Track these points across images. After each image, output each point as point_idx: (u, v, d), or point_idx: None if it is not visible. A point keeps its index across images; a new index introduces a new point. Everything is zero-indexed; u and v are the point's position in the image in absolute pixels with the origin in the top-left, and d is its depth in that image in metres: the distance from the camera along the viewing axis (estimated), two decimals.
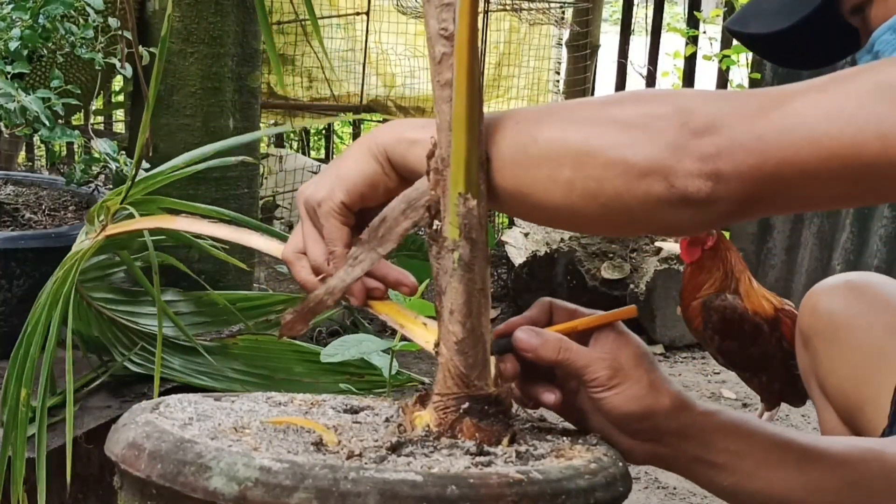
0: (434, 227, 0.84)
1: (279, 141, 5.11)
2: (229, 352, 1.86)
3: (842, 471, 0.91)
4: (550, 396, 0.89)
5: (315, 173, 4.31)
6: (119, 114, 4.63)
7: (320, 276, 0.90)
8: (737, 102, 0.75)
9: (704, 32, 4.32)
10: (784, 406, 2.61)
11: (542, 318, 0.92)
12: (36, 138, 3.97)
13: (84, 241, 1.39)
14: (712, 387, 3.08)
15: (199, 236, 1.69)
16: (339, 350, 2.21)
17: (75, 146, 4.38)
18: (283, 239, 0.96)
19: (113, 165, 1.76)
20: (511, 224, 4.14)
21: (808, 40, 1.07)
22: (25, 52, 1.70)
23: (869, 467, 0.92)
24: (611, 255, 3.50)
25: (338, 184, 0.87)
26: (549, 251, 3.54)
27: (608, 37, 4.88)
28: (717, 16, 4.29)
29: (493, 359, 0.87)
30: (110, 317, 1.75)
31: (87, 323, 1.68)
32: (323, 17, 4.10)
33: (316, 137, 5.41)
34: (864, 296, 1.29)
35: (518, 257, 3.60)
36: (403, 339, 1.94)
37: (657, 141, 0.74)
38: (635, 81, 4.59)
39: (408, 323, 0.92)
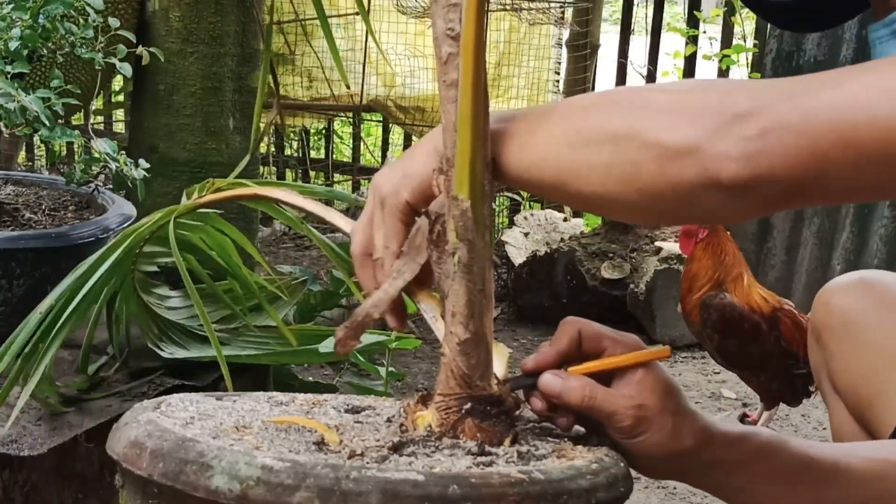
0: (434, 232, 0.84)
1: (279, 142, 5.11)
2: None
3: (860, 489, 0.91)
4: (563, 420, 0.89)
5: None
6: (119, 114, 4.64)
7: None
8: (783, 86, 0.73)
9: (704, 32, 4.32)
10: (784, 406, 2.61)
11: (571, 351, 0.90)
12: (36, 138, 3.98)
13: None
14: (712, 387, 3.08)
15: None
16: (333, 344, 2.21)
17: (75, 146, 4.38)
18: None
19: (113, 165, 1.76)
20: (511, 224, 4.14)
21: (817, 6, 1.06)
22: (25, 52, 1.70)
23: (889, 484, 0.92)
24: (611, 255, 3.50)
25: (404, 182, 0.86)
26: (549, 251, 3.54)
27: (608, 36, 4.88)
28: (717, 15, 4.29)
29: (497, 353, 0.87)
30: (147, 303, 1.74)
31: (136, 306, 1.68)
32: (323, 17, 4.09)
33: (316, 137, 5.41)
34: (877, 293, 1.29)
35: (518, 257, 3.61)
36: (399, 337, 1.95)
37: (696, 123, 0.72)
38: (635, 81, 4.58)
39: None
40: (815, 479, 0.91)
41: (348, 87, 4.14)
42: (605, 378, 0.88)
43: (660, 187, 0.74)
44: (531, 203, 4.47)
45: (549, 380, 0.87)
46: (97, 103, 3.55)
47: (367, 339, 2.17)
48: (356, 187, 4.85)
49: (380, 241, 0.88)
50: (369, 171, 4.83)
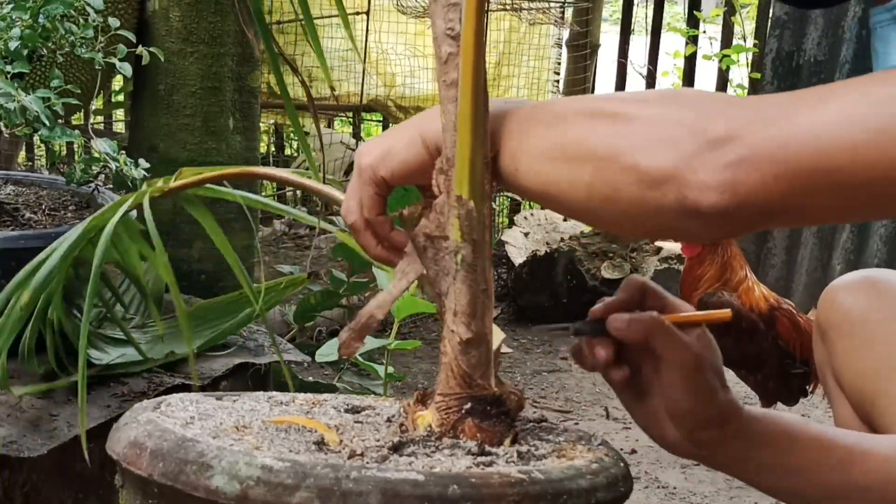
0: (427, 228, 0.84)
1: (279, 142, 5.12)
2: None
3: (886, 468, 0.92)
4: (619, 372, 0.91)
5: (349, 147, 4.43)
6: (119, 114, 4.64)
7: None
8: (760, 108, 0.73)
9: (704, 32, 4.32)
10: (783, 406, 2.61)
11: (633, 301, 0.92)
12: (36, 138, 3.98)
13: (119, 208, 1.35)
14: None
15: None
16: (334, 349, 2.21)
17: (75, 146, 4.38)
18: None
19: (113, 165, 1.76)
20: (511, 224, 4.14)
21: None
22: (25, 52, 1.70)
23: None
24: (611, 255, 3.50)
25: (384, 160, 0.88)
26: (549, 251, 3.54)
27: (608, 36, 4.88)
28: (717, 15, 4.29)
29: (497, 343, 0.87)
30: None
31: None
32: (323, 17, 4.10)
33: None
34: (883, 292, 1.29)
35: (518, 257, 3.61)
36: (399, 337, 1.95)
37: (673, 149, 0.73)
38: (635, 81, 4.59)
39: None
40: (839, 459, 0.92)
41: (332, 89, 4.17)
42: None
43: (640, 210, 0.75)
44: (531, 203, 4.47)
45: (618, 314, 0.89)
46: (97, 103, 3.55)
47: (370, 343, 2.17)
48: None
49: (360, 207, 0.90)
50: None
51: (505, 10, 4.29)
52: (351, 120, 5.03)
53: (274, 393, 0.95)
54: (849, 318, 1.30)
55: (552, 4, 4.45)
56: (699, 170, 0.72)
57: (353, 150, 4.50)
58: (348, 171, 4.49)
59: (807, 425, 0.93)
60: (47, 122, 1.63)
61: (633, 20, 4.63)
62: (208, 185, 1.36)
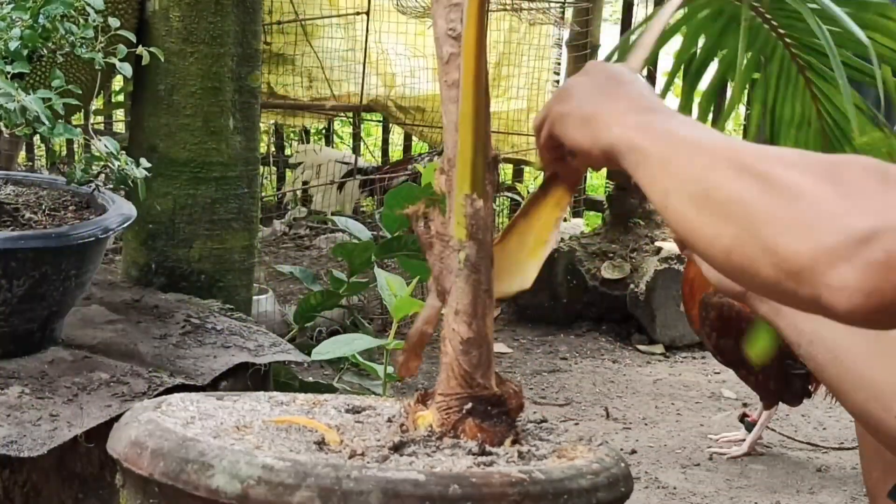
0: (431, 226, 0.85)
1: (279, 142, 5.12)
2: None
3: None
4: None
5: (342, 162, 4.50)
6: (119, 114, 4.64)
7: None
8: None
9: None
10: (784, 406, 2.61)
11: None
12: (36, 138, 3.99)
13: None
14: (712, 387, 3.08)
15: None
16: (332, 348, 2.21)
17: (75, 146, 4.39)
18: None
19: (114, 164, 1.76)
20: None
21: None
22: (25, 52, 1.70)
23: None
24: (611, 255, 3.50)
25: (559, 122, 0.87)
26: None
27: (608, 36, 4.88)
28: None
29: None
30: None
31: None
32: (323, 17, 4.10)
33: (316, 137, 5.41)
34: None
35: None
36: (398, 337, 1.95)
37: (814, 236, 0.69)
38: None
39: None
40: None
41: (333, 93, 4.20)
42: None
43: (774, 291, 0.73)
44: None
45: None
46: (97, 103, 3.55)
47: (367, 342, 2.17)
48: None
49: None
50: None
51: (505, 10, 4.29)
52: (351, 120, 5.03)
53: (274, 393, 0.96)
54: None
55: (552, 4, 4.46)
56: (839, 268, 0.67)
57: (346, 163, 4.55)
58: (341, 186, 4.51)
59: None
60: (47, 122, 1.63)
61: (633, 20, 4.63)
62: None
